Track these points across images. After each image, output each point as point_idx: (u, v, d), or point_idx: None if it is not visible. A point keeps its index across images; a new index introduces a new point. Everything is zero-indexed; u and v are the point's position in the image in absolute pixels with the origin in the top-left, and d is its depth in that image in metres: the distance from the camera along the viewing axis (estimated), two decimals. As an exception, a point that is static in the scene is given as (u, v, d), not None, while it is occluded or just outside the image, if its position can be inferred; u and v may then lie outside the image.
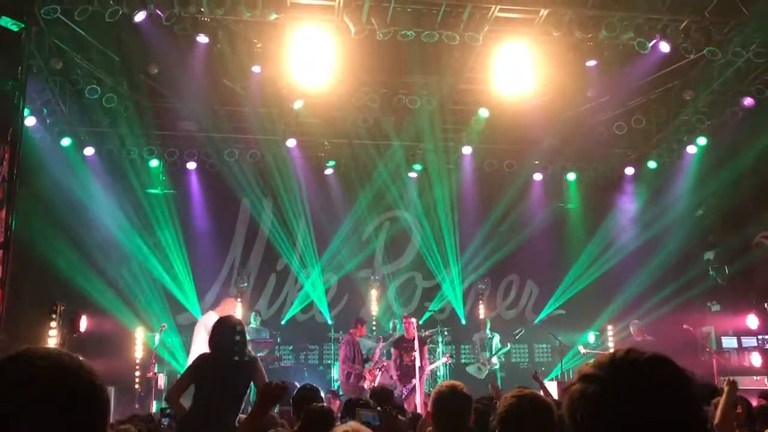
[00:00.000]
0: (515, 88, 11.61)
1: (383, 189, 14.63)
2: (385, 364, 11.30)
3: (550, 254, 14.95)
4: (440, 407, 3.71)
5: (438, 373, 12.58)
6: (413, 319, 11.34)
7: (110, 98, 11.94)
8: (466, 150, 14.35)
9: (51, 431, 1.24)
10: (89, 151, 13.22)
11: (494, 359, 12.41)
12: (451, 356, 12.37)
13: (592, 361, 1.50)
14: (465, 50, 11.36)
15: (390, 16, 10.05)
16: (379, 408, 4.37)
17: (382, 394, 5.96)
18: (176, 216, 13.87)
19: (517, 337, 13.19)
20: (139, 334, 12.44)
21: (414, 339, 11.04)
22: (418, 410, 9.45)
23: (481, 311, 14.48)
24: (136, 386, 12.14)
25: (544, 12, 10.13)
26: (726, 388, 4.07)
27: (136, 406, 11.11)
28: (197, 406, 5.19)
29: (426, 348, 11.35)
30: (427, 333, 12.25)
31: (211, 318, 10.35)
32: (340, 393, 10.83)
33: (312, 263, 14.54)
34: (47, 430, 1.24)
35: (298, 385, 7.84)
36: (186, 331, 13.20)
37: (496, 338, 12.73)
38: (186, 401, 5.35)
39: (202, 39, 10.79)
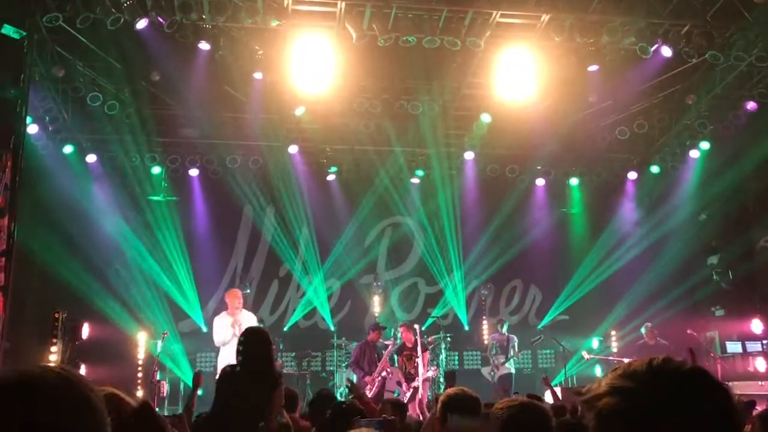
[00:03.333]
0: (517, 93, 11.61)
1: (385, 195, 14.60)
2: (388, 373, 11.20)
3: (553, 259, 14.91)
4: (450, 411, 3.68)
5: (440, 380, 12.53)
6: (416, 326, 11.35)
7: (112, 105, 11.95)
8: (469, 155, 14.33)
9: None
10: (91, 158, 13.22)
11: (507, 365, 12.29)
12: (437, 367, 12.19)
13: (616, 369, 1.35)
14: (467, 56, 11.36)
15: (391, 22, 10.05)
16: (383, 416, 4.34)
17: (395, 407, 5.92)
18: (178, 223, 13.85)
19: (534, 345, 13.12)
20: (142, 342, 12.41)
21: (413, 346, 11.05)
22: (420, 417, 9.41)
23: (485, 321, 14.42)
24: (139, 394, 12.11)
25: (545, 17, 10.14)
26: None
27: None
28: (216, 414, 5.11)
29: (427, 354, 11.33)
30: (429, 339, 12.22)
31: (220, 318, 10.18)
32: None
33: (314, 269, 14.50)
34: None
35: (299, 392, 7.85)
36: (188, 338, 13.19)
37: (515, 340, 12.56)
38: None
39: (204, 46, 10.81)
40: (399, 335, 12.10)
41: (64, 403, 1.19)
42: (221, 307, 13.09)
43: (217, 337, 9.61)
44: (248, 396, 4.99)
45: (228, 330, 9.46)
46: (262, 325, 11.13)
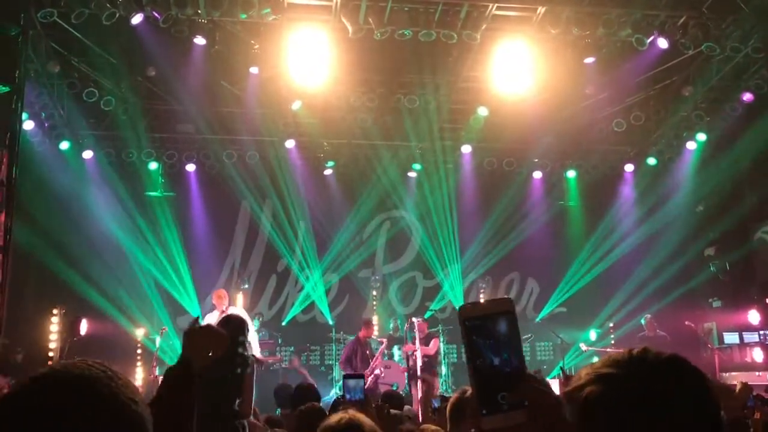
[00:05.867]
0: (514, 86, 11.60)
1: (383, 189, 14.61)
2: (381, 371, 11.24)
3: (550, 252, 14.93)
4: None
5: (441, 372, 12.57)
6: (413, 319, 11.50)
7: (108, 101, 11.91)
8: (466, 149, 14.34)
9: None
10: (88, 154, 13.19)
11: None
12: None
13: (595, 361, 1.39)
14: (463, 49, 11.34)
15: (387, 15, 10.03)
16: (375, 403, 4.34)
17: (392, 400, 5.94)
18: (176, 218, 13.85)
19: (525, 344, 13.21)
20: (140, 337, 12.42)
21: (425, 336, 11.35)
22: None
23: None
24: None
25: (541, 10, 10.12)
26: (739, 384, 4.07)
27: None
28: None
29: (437, 340, 11.57)
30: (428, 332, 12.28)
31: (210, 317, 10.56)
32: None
33: (312, 264, 14.52)
34: None
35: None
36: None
37: None
38: None
39: (200, 41, 10.78)
40: (402, 327, 12.17)
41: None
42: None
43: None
44: (220, 379, 5.08)
45: (212, 320, 9.86)
46: (260, 320, 11.17)
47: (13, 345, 9.98)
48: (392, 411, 4.75)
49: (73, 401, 1.15)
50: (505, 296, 1.28)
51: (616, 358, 1.32)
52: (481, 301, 1.25)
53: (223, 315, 9.99)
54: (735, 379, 10.99)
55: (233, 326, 5.43)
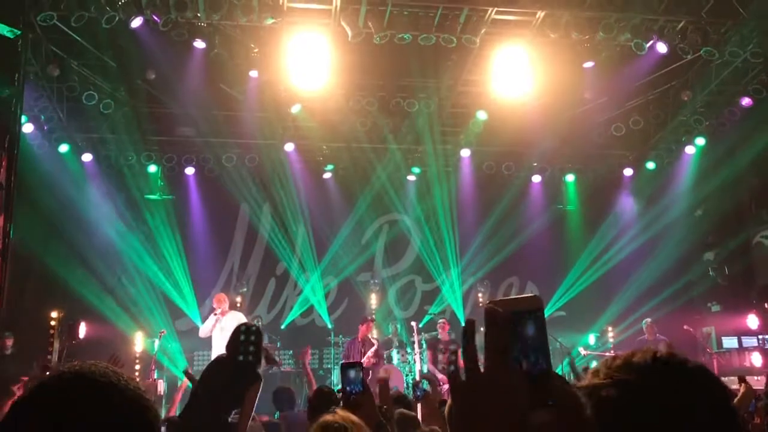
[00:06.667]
0: (513, 90, 11.63)
1: (382, 192, 14.60)
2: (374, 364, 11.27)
3: (549, 256, 14.92)
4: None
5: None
6: (413, 323, 11.47)
7: (108, 104, 11.93)
8: (465, 153, 14.35)
9: None
10: (87, 157, 13.20)
11: None
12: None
13: (614, 357, 1.36)
14: (462, 53, 11.36)
15: (387, 19, 10.05)
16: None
17: (398, 401, 5.94)
18: (175, 221, 13.84)
19: None
20: (139, 341, 12.40)
21: (447, 341, 11.44)
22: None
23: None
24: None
25: (540, 14, 10.14)
26: (742, 389, 4.08)
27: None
28: (192, 403, 5.25)
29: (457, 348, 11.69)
30: (426, 336, 12.29)
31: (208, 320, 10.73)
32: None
33: (311, 267, 14.50)
34: None
35: (294, 390, 7.89)
36: (185, 336, 13.18)
37: None
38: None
39: (199, 44, 10.80)
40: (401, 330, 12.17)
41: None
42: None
43: (202, 328, 10.80)
44: (225, 385, 5.10)
45: (210, 322, 10.47)
46: (259, 323, 11.17)
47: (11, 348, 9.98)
48: (405, 412, 4.75)
49: (93, 394, 1.23)
50: (535, 294, 1.25)
51: (637, 362, 1.30)
52: (510, 297, 1.23)
53: (238, 323, 10.06)
54: (734, 383, 10.98)
55: (239, 336, 5.46)
